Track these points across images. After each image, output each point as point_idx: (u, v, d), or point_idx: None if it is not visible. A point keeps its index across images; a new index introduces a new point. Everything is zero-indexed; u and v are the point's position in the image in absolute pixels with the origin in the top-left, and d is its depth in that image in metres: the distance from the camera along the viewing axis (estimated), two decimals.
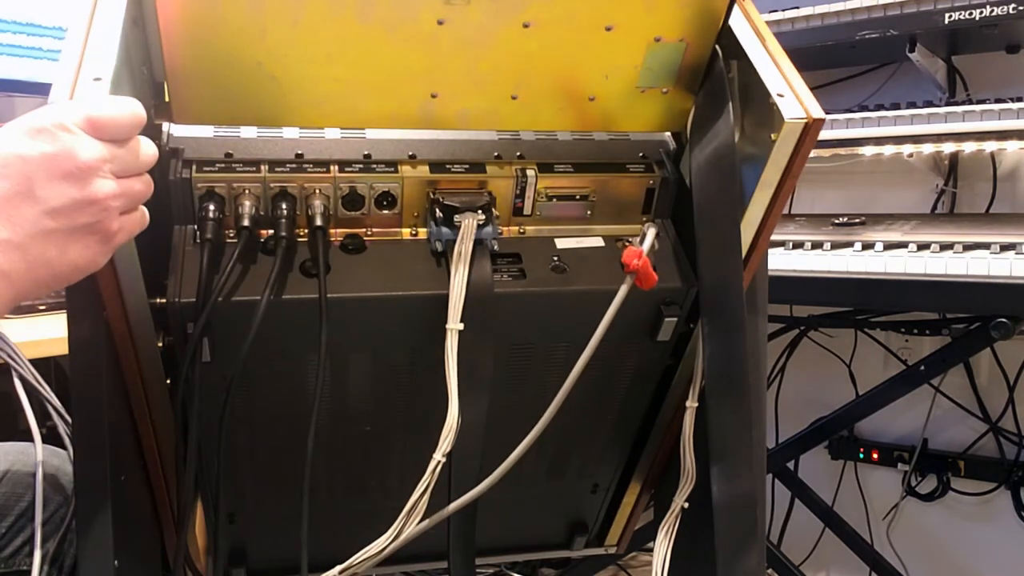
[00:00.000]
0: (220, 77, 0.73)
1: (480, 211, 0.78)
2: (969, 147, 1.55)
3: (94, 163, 0.57)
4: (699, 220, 0.80)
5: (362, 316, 0.79)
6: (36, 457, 0.97)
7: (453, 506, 0.80)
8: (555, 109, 0.82)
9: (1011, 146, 1.51)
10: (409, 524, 0.78)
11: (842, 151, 1.70)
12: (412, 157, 0.82)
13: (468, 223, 0.78)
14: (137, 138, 0.60)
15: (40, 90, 1.78)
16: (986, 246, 1.33)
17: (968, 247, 1.35)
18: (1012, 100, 1.48)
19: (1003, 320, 1.31)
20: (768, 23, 0.81)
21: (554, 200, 0.85)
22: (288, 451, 0.84)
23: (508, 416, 0.81)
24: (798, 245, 1.51)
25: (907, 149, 1.64)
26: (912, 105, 1.63)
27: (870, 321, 1.81)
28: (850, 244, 1.46)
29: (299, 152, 0.79)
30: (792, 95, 0.75)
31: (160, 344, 0.76)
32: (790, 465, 1.98)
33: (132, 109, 0.59)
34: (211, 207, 0.75)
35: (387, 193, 0.80)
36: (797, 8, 1.71)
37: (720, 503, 0.80)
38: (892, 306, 1.61)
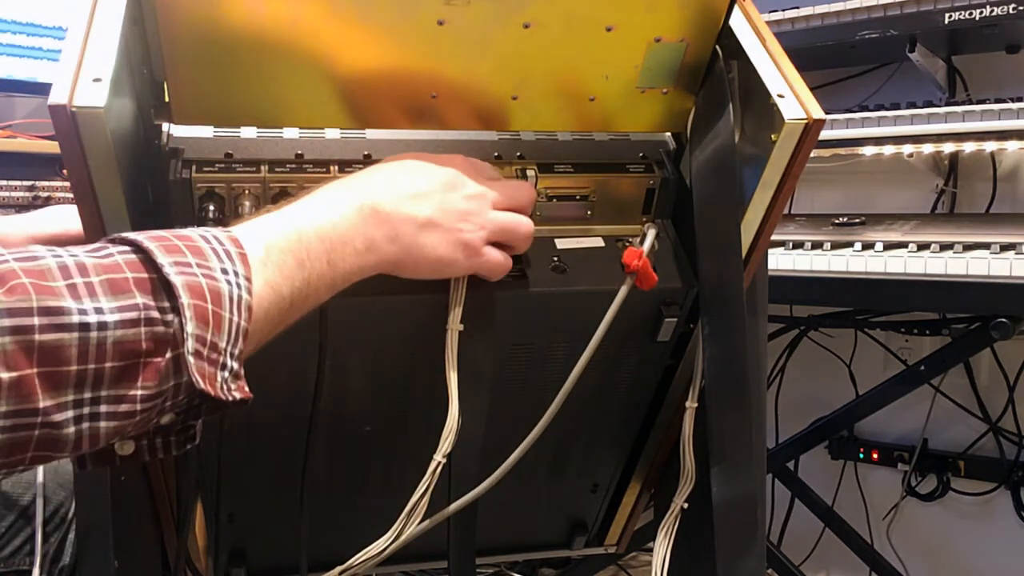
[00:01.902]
0: (220, 77, 0.73)
1: None
2: (969, 147, 1.55)
3: (490, 195, 0.72)
4: (699, 220, 0.80)
5: (362, 317, 0.79)
6: None
7: (453, 506, 0.80)
8: (555, 109, 0.82)
9: (1011, 146, 1.51)
10: (409, 524, 0.78)
11: (842, 151, 1.70)
12: None
13: None
14: (525, 218, 0.75)
15: (40, 90, 1.78)
16: (986, 246, 1.33)
17: (968, 247, 1.35)
18: (1012, 100, 1.48)
19: (1003, 320, 1.32)
20: (768, 23, 0.81)
21: (554, 200, 0.85)
22: (288, 451, 0.84)
23: (508, 416, 0.81)
24: (798, 245, 1.51)
25: (907, 149, 1.64)
26: (912, 105, 1.63)
27: (870, 321, 1.81)
28: (850, 244, 1.47)
29: (299, 152, 0.79)
30: (792, 95, 0.75)
31: None
32: (790, 465, 1.98)
33: (530, 195, 0.77)
34: (211, 207, 0.75)
35: None
36: (797, 8, 1.71)
37: (720, 503, 0.80)
38: (892, 306, 1.61)
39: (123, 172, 0.64)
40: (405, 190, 0.68)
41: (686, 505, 0.89)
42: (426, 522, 0.78)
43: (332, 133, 0.81)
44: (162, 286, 0.49)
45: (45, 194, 1.60)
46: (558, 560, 2.03)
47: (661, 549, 0.91)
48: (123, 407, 0.49)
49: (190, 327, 0.49)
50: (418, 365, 0.84)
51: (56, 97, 0.60)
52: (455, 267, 0.72)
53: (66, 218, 0.99)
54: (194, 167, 0.76)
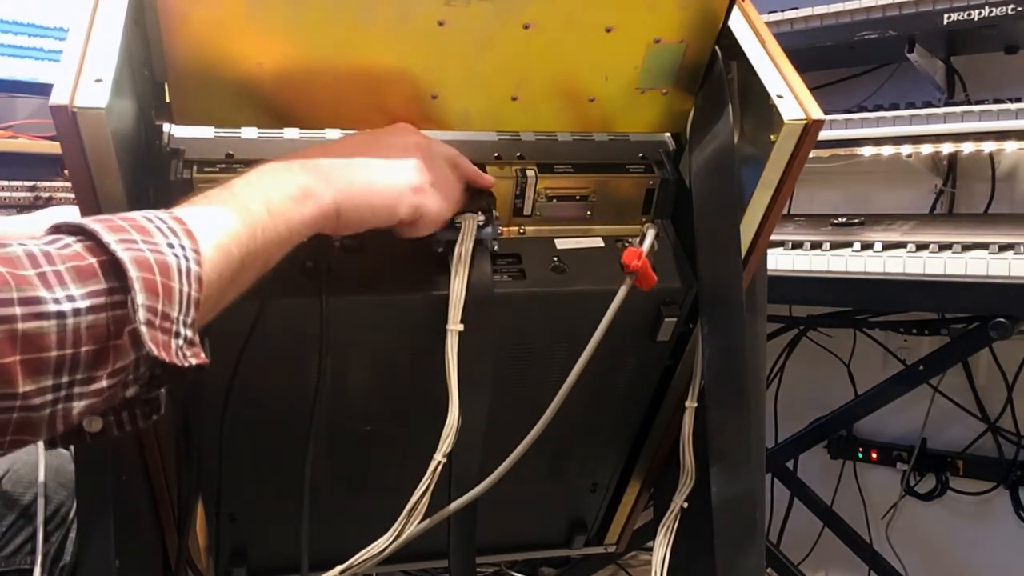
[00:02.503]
0: (221, 78, 0.73)
1: (480, 211, 0.79)
2: (968, 147, 1.56)
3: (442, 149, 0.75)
4: (699, 221, 0.80)
5: (362, 317, 0.80)
6: (37, 456, 0.97)
7: (453, 506, 0.80)
8: (555, 110, 0.82)
9: (1009, 146, 1.51)
10: (410, 524, 0.78)
11: (841, 151, 1.70)
12: None
13: (468, 224, 0.78)
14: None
15: (41, 91, 1.78)
16: (985, 246, 1.33)
17: (967, 247, 1.35)
18: (1010, 100, 1.48)
19: (1002, 320, 1.32)
20: (768, 24, 0.81)
21: (554, 200, 0.85)
22: (289, 451, 0.84)
23: (508, 416, 0.82)
24: (797, 245, 1.51)
25: (906, 149, 1.65)
26: (911, 105, 1.63)
27: (869, 321, 1.81)
28: (849, 244, 1.47)
29: None
30: (792, 96, 0.75)
31: None
32: (789, 465, 1.98)
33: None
34: None
35: None
36: (796, 9, 1.71)
37: (720, 503, 0.81)
38: (891, 306, 1.61)
39: (124, 172, 0.64)
40: (338, 148, 0.70)
41: (686, 504, 0.89)
42: (426, 522, 0.78)
43: (332, 133, 0.81)
44: (112, 267, 0.51)
45: (46, 194, 1.60)
46: (558, 559, 2.03)
47: (661, 548, 0.91)
48: (93, 386, 0.51)
49: (140, 298, 0.50)
50: (418, 365, 0.84)
51: (57, 98, 0.60)
52: (399, 202, 0.70)
53: (68, 218, 0.99)
54: (195, 167, 0.76)
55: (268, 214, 0.62)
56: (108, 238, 0.51)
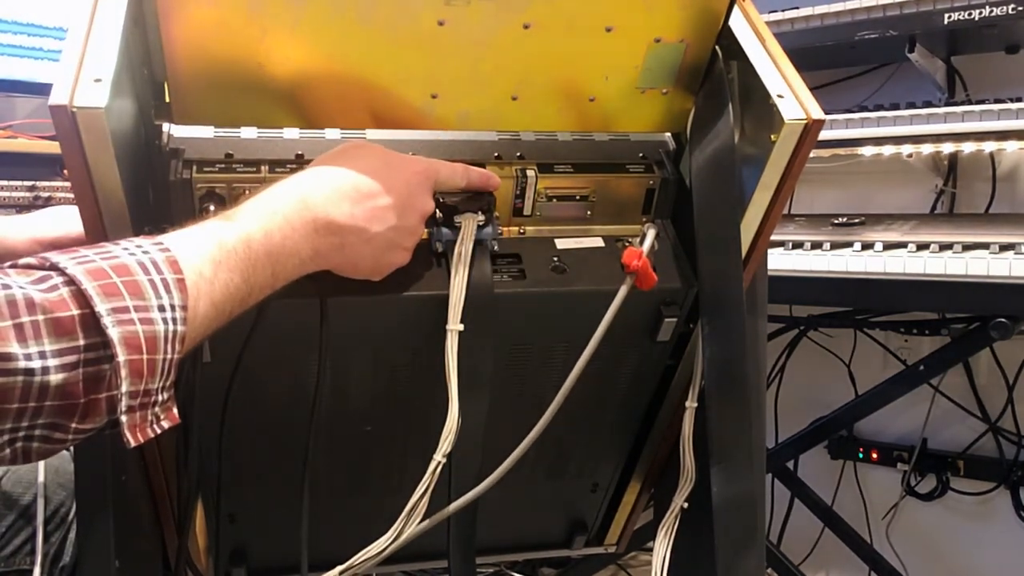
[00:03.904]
0: (220, 78, 0.73)
1: (480, 212, 0.79)
2: (968, 147, 1.55)
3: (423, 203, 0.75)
4: (699, 221, 0.80)
5: (362, 317, 0.79)
6: None
7: (453, 506, 0.80)
8: (555, 110, 0.82)
9: (1010, 146, 1.51)
10: (410, 524, 0.78)
11: (842, 151, 1.70)
12: None
13: (468, 224, 0.78)
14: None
15: (41, 90, 1.78)
16: (985, 246, 1.33)
17: (967, 247, 1.35)
18: (1011, 100, 1.48)
19: (1002, 320, 1.32)
20: (768, 23, 0.81)
21: (554, 200, 0.85)
22: (288, 451, 0.84)
23: (508, 416, 0.82)
24: (798, 245, 1.51)
25: (906, 149, 1.64)
26: (911, 105, 1.63)
27: (869, 321, 1.81)
28: (850, 244, 1.47)
29: (299, 152, 0.79)
30: (792, 96, 0.75)
31: None
32: (790, 465, 1.98)
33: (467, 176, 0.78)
34: (211, 207, 0.75)
35: None
36: (797, 8, 1.71)
37: (720, 503, 0.81)
38: (891, 306, 1.61)
39: (124, 172, 0.64)
40: (357, 201, 0.69)
41: (686, 505, 0.89)
42: (426, 522, 0.78)
43: (332, 133, 0.81)
44: (95, 321, 0.51)
45: (46, 194, 1.60)
46: (558, 560, 2.03)
47: (661, 549, 0.91)
48: (57, 434, 0.52)
49: (125, 385, 0.52)
50: (418, 365, 0.84)
51: (57, 97, 0.60)
52: (391, 268, 0.74)
53: (68, 219, 0.99)
54: (195, 167, 0.76)
55: (272, 275, 0.64)
56: (101, 308, 0.51)
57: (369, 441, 0.91)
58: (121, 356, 0.51)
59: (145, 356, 0.53)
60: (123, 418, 0.53)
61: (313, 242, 0.67)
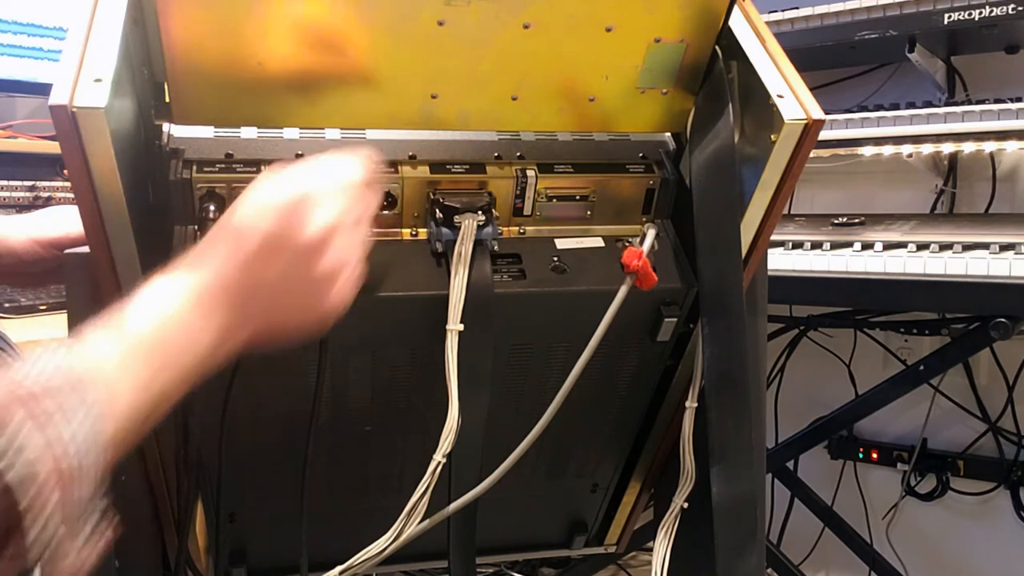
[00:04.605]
0: (220, 77, 0.73)
1: (480, 211, 0.79)
2: (968, 147, 1.55)
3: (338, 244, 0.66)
4: (699, 221, 0.80)
5: (362, 316, 0.79)
6: None
7: (453, 506, 0.80)
8: (555, 109, 0.82)
9: (1010, 146, 1.51)
10: (409, 524, 0.78)
11: (842, 151, 1.70)
12: (412, 157, 0.82)
13: (468, 223, 0.78)
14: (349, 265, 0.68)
15: (41, 90, 1.78)
16: (985, 246, 1.33)
17: (967, 247, 1.35)
18: (1011, 100, 1.48)
19: (1002, 320, 1.32)
20: (768, 23, 0.81)
21: (554, 200, 0.85)
22: (288, 451, 0.84)
23: (508, 416, 0.82)
24: (798, 245, 1.51)
25: (906, 149, 1.64)
26: (911, 105, 1.63)
27: (869, 321, 1.81)
28: (850, 244, 1.47)
29: (299, 152, 0.79)
30: (792, 96, 0.75)
31: None
32: (790, 465, 1.98)
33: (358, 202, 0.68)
34: (211, 207, 0.75)
35: (387, 193, 0.80)
36: (797, 8, 1.71)
37: (720, 503, 0.81)
38: (891, 306, 1.61)
39: (123, 172, 0.64)
40: (267, 302, 0.64)
41: (686, 505, 0.89)
42: (426, 522, 0.78)
43: (332, 133, 0.81)
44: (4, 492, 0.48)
45: (46, 194, 1.60)
46: (558, 560, 2.03)
47: (661, 549, 0.91)
48: None
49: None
50: (418, 365, 0.84)
51: (57, 97, 0.60)
52: (319, 326, 0.68)
53: (67, 219, 0.99)
54: (194, 167, 0.76)
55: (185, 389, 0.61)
56: (24, 504, 0.48)
57: (369, 441, 0.91)
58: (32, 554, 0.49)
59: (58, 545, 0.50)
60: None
61: (228, 350, 0.63)
